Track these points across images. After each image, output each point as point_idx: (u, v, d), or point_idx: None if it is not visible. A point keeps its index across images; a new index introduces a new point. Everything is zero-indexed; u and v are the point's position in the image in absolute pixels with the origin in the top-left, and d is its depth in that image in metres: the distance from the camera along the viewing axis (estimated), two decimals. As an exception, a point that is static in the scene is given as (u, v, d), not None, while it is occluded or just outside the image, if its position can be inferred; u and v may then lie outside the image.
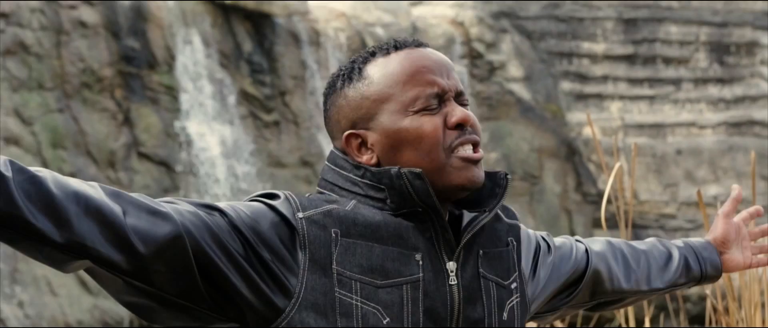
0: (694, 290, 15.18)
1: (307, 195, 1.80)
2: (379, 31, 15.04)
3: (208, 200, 1.74)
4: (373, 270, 1.72)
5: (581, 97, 16.25)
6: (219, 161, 13.61)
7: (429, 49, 1.84)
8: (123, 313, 11.83)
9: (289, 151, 14.08)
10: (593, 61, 16.31)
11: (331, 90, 1.84)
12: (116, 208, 1.62)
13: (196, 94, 13.69)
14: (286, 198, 1.74)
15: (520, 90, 15.95)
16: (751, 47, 16.74)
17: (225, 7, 14.01)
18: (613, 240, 2.16)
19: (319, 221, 1.72)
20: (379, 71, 1.80)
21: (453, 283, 1.76)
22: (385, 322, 1.71)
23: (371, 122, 1.80)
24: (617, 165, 3.20)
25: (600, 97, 16.30)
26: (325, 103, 1.85)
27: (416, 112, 1.78)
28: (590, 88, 16.31)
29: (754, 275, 2.96)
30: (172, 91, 13.51)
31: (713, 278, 2.22)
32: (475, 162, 1.80)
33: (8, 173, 1.55)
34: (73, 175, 12.37)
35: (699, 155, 16.39)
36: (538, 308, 2.01)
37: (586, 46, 16.34)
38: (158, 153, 13.19)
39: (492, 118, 15.80)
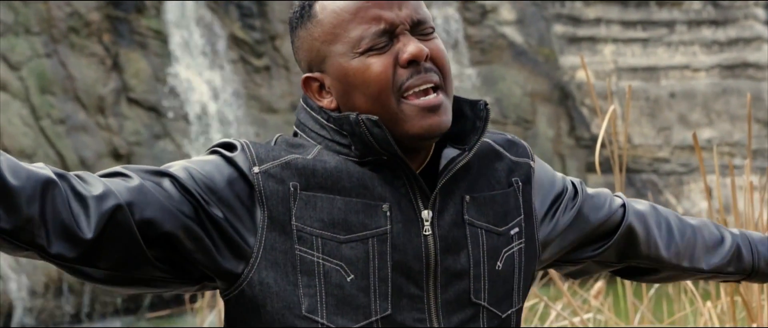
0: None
1: (272, 141, 1.69)
2: (370, -26, 14.88)
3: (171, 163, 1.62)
4: (335, 224, 1.60)
5: (574, 41, 16.14)
6: (209, 107, 13.51)
7: None
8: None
9: (280, 97, 13.98)
10: (586, 3, 16.17)
11: (291, 31, 1.73)
12: (60, 196, 1.52)
13: (185, 39, 13.55)
14: (243, 149, 1.63)
15: (513, 33, 15.83)
16: (746, -11, 16.61)
17: (214, -50, 13.83)
18: (660, 207, 1.98)
19: (276, 174, 1.61)
20: (325, 9, 1.66)
21: (427, 233, 1.63)
22: (349, 279, 1.60)
23: (324, 64, 1.67)
24: (611, 109, 3.14)
25: (593, 40, 16.19)
26: (291, 44, 1.75)
27: (362, 52, 1.64)
28: (583, 31, 16.19)
29: (751, 225, 2.90)
30: (161, 36, 13.37)
31: (765, 276, 2.00)
32: (431, 109, 1.63)
33: None
34: (62, 121, 12.28)
35: (692, 98, 16.33)
36: (557, 256, 1.83)
37: (580, -12, 16.19)
38: (148, 98, 13.08)
39: (484, 62, 15.70)
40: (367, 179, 1.64)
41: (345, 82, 1.65)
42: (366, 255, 1.61)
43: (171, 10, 13.50)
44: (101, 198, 1.56)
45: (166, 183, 1.60)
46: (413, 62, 1.63)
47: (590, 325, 4.47)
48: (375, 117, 1.62)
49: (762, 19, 16.59)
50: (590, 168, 15.50)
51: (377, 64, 1.63)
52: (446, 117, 1.65)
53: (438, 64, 1.66)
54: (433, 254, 1.64)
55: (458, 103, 1.72)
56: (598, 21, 16.23)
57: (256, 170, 1.61)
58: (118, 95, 12.87)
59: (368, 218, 1.62)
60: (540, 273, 5.51)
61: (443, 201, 1.66)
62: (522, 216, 1.73)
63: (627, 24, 16.33)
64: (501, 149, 1.75)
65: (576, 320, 4.01)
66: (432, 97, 1.64)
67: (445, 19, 15.66)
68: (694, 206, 15.79)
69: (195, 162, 1.64)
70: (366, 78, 1.63)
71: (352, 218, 1.61)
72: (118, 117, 12.77)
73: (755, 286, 3.05)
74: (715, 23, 16.52)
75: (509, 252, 1.70)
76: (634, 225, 1.89)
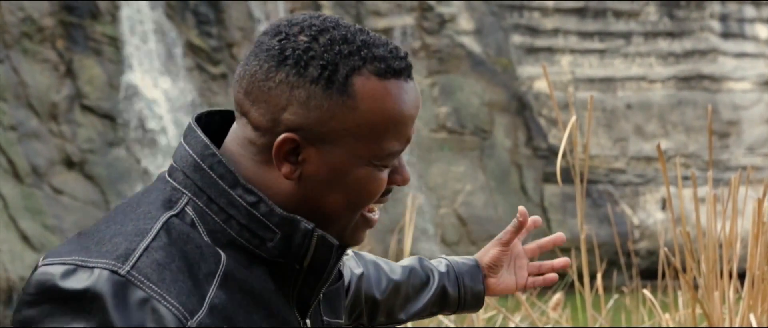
0: (643, 245, 15.31)
1: (145, 243, 1.31)
2: (329, -18, 14.82)
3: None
4: None
5: (532, 51, 16.19)
6: (165, 114, 13.37)
7: (412, 83, 1.44)
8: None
9: (237, 105, 13.89)
10: (544, 14, 16.23)
11: (291, 67, 1.38)
12: None
13: (140, 46, 13.40)
14: (154, 306, 1.26)
15: (471, 43, 15.84)
16: (701, 1, 16.75)
17: (170, -43, 13.71)
18: (367, 257, 1.89)
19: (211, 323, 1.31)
20: (369, 101, 1.39)
21: None
22: None
23: (323, 143, 1.39)
24: (573, 119, 3.10)
25: (551, 50, 16.25)
26: (266, 69, 1.39)
27: (378, 166, 1.42)
28: (541, 42, 16.25)
29: (713, 237, 2.87)
30: (116, 43, 13.22)
31: (473, 308, 1.94)
32: (372, 226, 1.48)
33: None
34: (14, 128, 12.09)
35: (649, 110, 16.43)
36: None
37: (537, -1, 16.26)
38: (102, 106, 12.92)
39: (442, 71, 15.69)
40: (277, 292, 1.41)
41: (339, 177, 1.41)
42: None
43: (127, 17, 13.35)
44: None
45: None
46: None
47: (549, 337, 4.43)
48: (335, 242, 1.41)
49: (717, 31, 16.74)
50: (547, 178, 15.53)
51: (379, 180, 1.43)
52: None
53: None
54: None
55: None
56: (555, 32, 16.29)
57: (192, 324, 1.28)
58: (71, 102, 12.70)
59: None
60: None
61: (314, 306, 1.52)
62: (347, 299, 1.73)
63: (584, 35, 16.41)
64: None
65: (535, 332, 3.97)
66: (376, 217, 1.50)
67: (402, 28, 15.63)
68: (649, 216, 15.88)
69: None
70: (365, 188, 1.42)
71: None
72: (71, 124, 12.59)
73: (716, 297, 3.02)
74: (671, 35, 16.64)
75: None
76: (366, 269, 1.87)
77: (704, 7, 16.73)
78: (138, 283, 1.27)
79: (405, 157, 1.47)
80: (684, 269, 3.11)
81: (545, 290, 5.83)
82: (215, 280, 1.33)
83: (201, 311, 1.28)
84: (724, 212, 2.85)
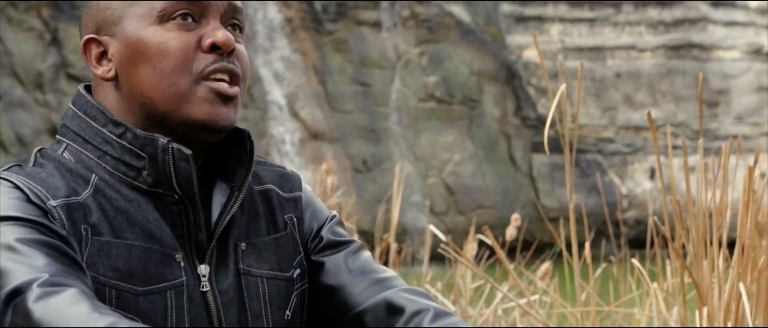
0: (631, 214, 15.31)
1: (30, 161, 1.49)
2: (317, -50, 14.72)
3: None
4: (132, 274, 1.42)
5: (521, 20, 16.12)
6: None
7: None
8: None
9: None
10: (533, -18, 16.17)
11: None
12: None
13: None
14: (25, 189, 1.41)
15: (460, 12, 15.77)
16: (691, -30, 16.70)
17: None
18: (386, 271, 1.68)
19: (66, 212, 1.41)
20: None
21: (205, 289, 1.48)
22: None
23: (116, 27, 1.48)
24: (562, 87, 3.06)
25: (540, 19, 16.19)
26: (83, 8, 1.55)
27: (163, 22, 1.47)
28: (530, 11, 16.18)
29: (703, 206, 2.84)
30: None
31: None
32: (227, 98, 1.47)
33: None
34: (-1, 97, 12.01)
35: (638, 79, 16.41)
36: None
37: (527, -33, 16.18)
38: (89, 75, 12.81)
39: (431, 41, 15.62)
40: (159, 220, 1.46)
41: (134, 48, 1.47)
42: (164, 310, 1.44)
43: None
44: None
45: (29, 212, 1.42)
46: (216, 48, 1.48)
47: (536, 307, 4.42)
48: (188, 151, 1.45)
49: None
50: (536, 148, 15.52)
51: (178, 39, 1.47)
52: (235, 117, 1.50)
53: (242, 64, 1.51)
54: (215, 311, 1.48)
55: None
56: (545, 0, 16.22)
57: (52, 203, 1.42)
58: (57, 71, 12.60)
59: (166, 269, 1.45)
60: (486, 253, 5.45)
61: (220, 253, 1.51)
62: (301, 254, 1.60)
63: (574, 3, 16.34)
64: (271, 187, 1.61)
65: (522, 301, 3.95)
66: (228, 87, 1.48)
67: (391, -4, 15.55)
68: (637, 186, 15.89)
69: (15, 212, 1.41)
70: (162, 50, 1.46)
71: (150, 267, 1.44)
72: (56, 94, 12.50)
73: (705, 265, 3.00)
74: (661, 3, 16.59)
75: (295, 295, 1.57)
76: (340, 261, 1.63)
77: (694, -25, 16.68)
78: (8, 178, 1.43)
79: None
80: (673, 238, 3.08)
81: (533, 259, 5.81)
82: (87, 189, 1.45)
83: (65, 198, 1.42)
84: (714, 181, 2.82)
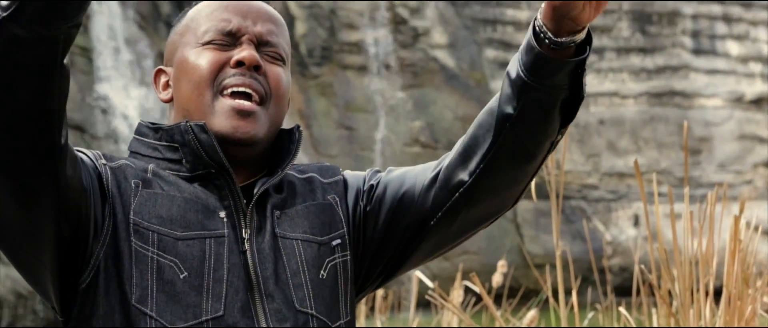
0: (615, 262, 15.32)
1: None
2: (303, -5, 14.79)
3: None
4: (173, 221, 1.63)
5: (505, 65, 16.19)
6: (136, 125, 13.30)
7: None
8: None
9: (209, 117, 13.83)
10: (517, 28, 16.27)
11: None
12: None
13: (112, 57, 13.31)
14: (90, 151, 1.69)
15: (445, 57, 15.85)
16: (673, 17, 16.85)
17: (143, -33, 13.64)
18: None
19: (119, 171, 1.66)
20: (195, 10, 1.76)
21: (245, 249, 1.65)
22: (182, 276, 1.60)
23: (174, 57, 1.75)
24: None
25: (524, 65, 16.28)
26: None
27: (203, 44, 1.71)
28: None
29: (688, 254, 2.85)
30: (87, 54, 13.12)
31: (543, 61, 1.59)
32: (242, 113, 1.67)
33: None
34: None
35: (621, 125, 16.49)
36: (388, 237, 1.74)
37: (510, 13, 16.28)
38: (73, 117, 12.81)
39: (416, 85, 15.68)
40: (200, 192, 1.67)
41: (180, 68, 1.72)
42: (202, 254, 1.62)
43: (99, 28, 13.26)
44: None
45: (85, 158, 1.67)
46: (241, 65, 1.68)
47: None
48: (202, 122, 1.66)
49: (689, 47, 16.84)
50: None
51: (209, 56, 1.70)
52: (257, 127, 1.67)
53: (271, 84, 1.70)
54: (253, 268, 1.64)
55: (280, 134, 1.76)
56: (529, 47, 16.32)
57: (103, 162, 1.66)
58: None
59: (207, 220, 1.64)
60: (472, 299, 5.41)
61: (259, 219, 1.69)
62: (344, 229, 1.74)
63: (557, 50, 16.45)
64: (313, 174, 1.80)
65: (509, 348, 3.94)
66: (245, 103, 1.68)
67: (376, 40, 15.62)
68: (622, 233, 15.91)
69: None
70: (195, 65, 1.69)
71: (190, 216, 1.64)
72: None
73: (692, 314, 3.00)
74: (643, 51, 16.72)
75: (332, 262, 1.71)
76: (395, 177, 1.79)
77: (676, 23, 16.82)
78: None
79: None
80: (659, 286, 3.09)
81: (519, 306, 5.79)
82: (147, 173, 1.68)
83: (115, 164, 1.66)
84: (700, 229, 2.83)
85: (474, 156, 1.73)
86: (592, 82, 16.53)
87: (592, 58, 16.58)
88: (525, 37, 1.66)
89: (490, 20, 16.23)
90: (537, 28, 1.62)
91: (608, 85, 16.57)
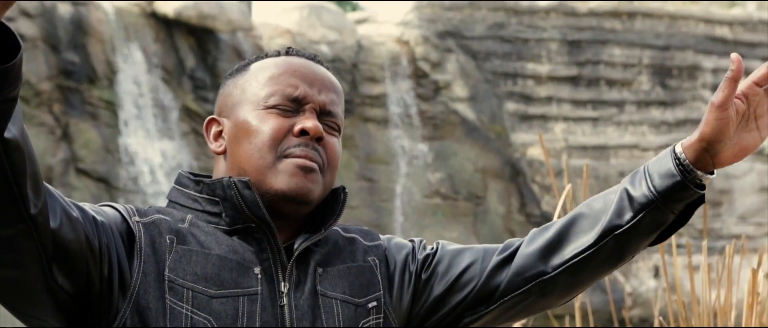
0: (635, 313, 15.24)
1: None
2: (325, 48, 14.94)
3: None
4: (208, 279, 1.66)
5: (525, 118, 16.28)
6: (161, 178, 13.40)
7: (315, 64, 1.79)
8: None
9: (232, 169, 13.92)
10: (538, 82, 16.36)
11: (222, 82, 1.83)
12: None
13: (136, 110, 13.47)
14: (123, 206, 1.71)
15: (465, 110, 15.94)
16: (693, 71, 16.91)
17: (168, 22, 13.81)
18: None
19: (154, 227, 1.68)
20: (259, 67, 1.78)
21: (283, 304, 1.68)
22: None
23: (232, 111, 1.77)
24: (568, 187, 3.13)
25: (544, 118, 16.35)
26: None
27: (268, 108, 1.74)
28: (534, 109, 16.35)
29: (707, 306, 2.90)
30: (112, 107, 13.28)
31: (679, 188, 1.65)
32: (306, 170, 1.71)
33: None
34: (8, 190, 12.09)
35: (641, 177, 16.47)
36: (433, 314, 1.79)
37: (531, 66, 16.39)
38: (97, 169, 12.94)
39: (436, 138, 15.77)
40: (237, 246, 1.69)
41: (240, 128, 1.74)
42: (235, 312, 1.64)
43: (124, 81, 13.43)
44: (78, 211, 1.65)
45: (107, 214, 1.68)
46: (305, 135, 1.72)
47: None
48: (246, 178, 1.69)
49: (709, 101, 16.87)
50: (541, 245, 15.51)
51: (274, 121, 1.72)
52: (315, 187, 1.71)
53: (328, 155, 1.75)
54: (290, 323, 1.67)
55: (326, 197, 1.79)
56: (549, 99, 16.41)
57: (136, 218, 1.68)
58: (67, 166, 12.72)
59: (241, 277, 1.67)
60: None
61: (299, 274, 1.71)
62: (381, 292, 1.77)
63: (578, 103, 16.52)
64: (356, 236, 1.83)
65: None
66: (309, 162, 1.71)
67: (398, 93, 15.74)
68: (641, 284, 15.86)
69: (93, 207, 1.69)
70: (259, 129, 1.72)
71: (225, 274, 1.66)
72: (66, 187, 12.60)
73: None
74: (663, 104, 16.77)
75: (367, 324, 1.74)
76: (454, 250, 1.86)
77: (696, 76, 16.88)
78: (124, 204, 1.73)
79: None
80: (679, 337, 3.11)
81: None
82: (184, 223, 1.70)
83: (149, 219, 1.68)
84: (718, 281, 2.87)
85: (561, 252, 1.77)
86: (612, 135, 16.58)
87: (612, 111, 16.65)
88: (658, 162, 1.71)
89: (510, 74, 16.34)
90: (679, 156, 1.69)
91: (628, 137, 16.61)
